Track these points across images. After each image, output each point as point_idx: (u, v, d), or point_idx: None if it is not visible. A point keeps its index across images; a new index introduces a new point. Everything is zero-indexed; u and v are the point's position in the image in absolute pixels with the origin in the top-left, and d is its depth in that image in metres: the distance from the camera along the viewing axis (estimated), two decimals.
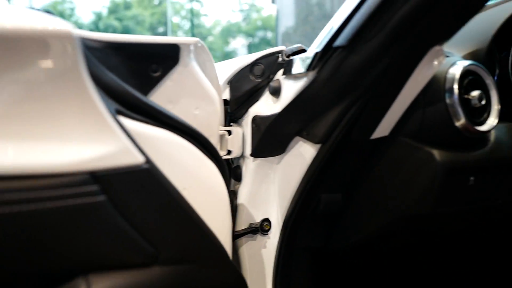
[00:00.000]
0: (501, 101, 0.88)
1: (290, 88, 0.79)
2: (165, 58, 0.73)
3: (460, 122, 0.68)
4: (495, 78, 0.93)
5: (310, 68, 0.70)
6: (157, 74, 0.73)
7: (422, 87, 0.67)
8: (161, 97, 0.75)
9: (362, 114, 0.68)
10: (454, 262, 1.02)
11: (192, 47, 0.77)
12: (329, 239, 0.91)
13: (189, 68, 0.77)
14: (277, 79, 0.86)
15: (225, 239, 0.78)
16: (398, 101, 0.67)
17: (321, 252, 0.95)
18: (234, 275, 0.70)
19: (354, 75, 0.64)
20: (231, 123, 0.97)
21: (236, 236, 0.91)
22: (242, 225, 0.93)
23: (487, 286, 1.04)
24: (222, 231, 0.77)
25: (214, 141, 0.87)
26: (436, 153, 0.68)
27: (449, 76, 0.69)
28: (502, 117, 0.82)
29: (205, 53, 0.82)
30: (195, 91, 0.79)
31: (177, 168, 0.67)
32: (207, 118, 0.82)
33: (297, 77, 0.77)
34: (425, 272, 1.00)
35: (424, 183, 0.68)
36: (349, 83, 0.65)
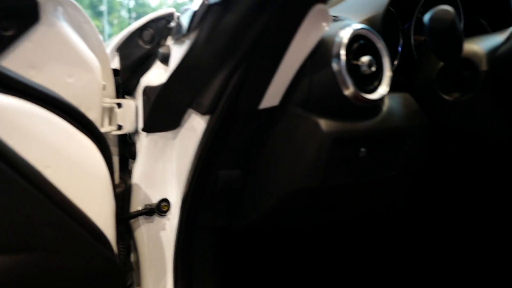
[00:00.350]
0: (402, 71, 0.87)
1: (177, 54, 0.71)
2: (19, 14, 0.62)
3: (349, 90, 0.64)
4: (399, 48, 0.91)
5: (190, 29, 0.63)
6: (10, 33, 0.62)
7: (309, 51, 0.62)
8: (19, 60, 0.64)
9: (247, 81, 0.62)
10: (356, 239, 1.02)
11: (58, 5, 0.66)
12: (232, 218, 0.87)
13: (56, 28, 0.66)
14: (167, 45, 0.77)
15: (105, 222, 0.70)
16: (284, 66, 0.61)
17: (225, 231, 0.90)
18: (107, 260, 0.63)
19: (232, 35, 0.58)
20: (125, 96, 0.88)
21: (128, 218, 0.84)
22: (138, 206, 0.86)
23: (385, 259, 1.06)
24: (100, 213, 0.69)
25: (95, 114, 0.78)
26: (322, 122, 0.63)
27: (337, 40, 0.64)
28: (401, 88, 0.81)
29: (80, 14, 0.72)
30: (66, 56, 0.69)
31: (34, 143, 0.58)
32: (84, 87, 0.72)
33: (181, 41, 0.70)
34: (327, 250, 0.99)
35: (312, 155, 0.64)
36: (228, 45, 0.59)
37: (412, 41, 0.90)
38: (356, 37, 0.65)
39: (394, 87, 0.79)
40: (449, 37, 0.64)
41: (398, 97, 0.75)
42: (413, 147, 0.73)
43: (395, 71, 0.88)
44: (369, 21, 0.75)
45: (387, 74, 0.68)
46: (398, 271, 1.07)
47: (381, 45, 0.67)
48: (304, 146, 0.65)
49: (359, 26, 0.66)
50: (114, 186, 0.75)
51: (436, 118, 0.75)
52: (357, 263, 1.06)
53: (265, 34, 0.57)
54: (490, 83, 0.69)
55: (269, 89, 0.64)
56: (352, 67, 0.64)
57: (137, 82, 0.84)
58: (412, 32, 0.89)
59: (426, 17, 0.64)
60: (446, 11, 0.62)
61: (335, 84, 0.63)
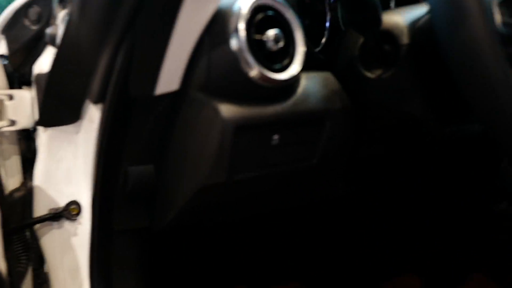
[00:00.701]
0: (327, 48, 0.80)
1: (61, 34, 0.61)
2: None
3: (253, 70, 0.55)
4: (327, 24, 0.85)
5: (64, 2, 0.54)
6: None
7: (205, 25, 0.54)
8: None
9: (134, 61, 0.54)
10: (291, 232, 0.97)
11: None
12: (151, 219, 0.78)
13: None
14: (56, 24, 0.67)
15: None
16: (176, 42, 0.53)
17: (146, 233, 0.82)
18: None
19: (105, 6, 0.49)
20: (24, 86, 0.77)
21: (27, 225, 0.74)
22: (43, 211, 0.76)
23: (323, 252, 1.02)
24: None
25: None
26: (223, 108, 0.55)
27: (235, 10, 0.55)
28: (323, 66, 0.74)
29: None
30: None
31: None
32: None
33: (65, 18, 0.60)
34: (257, 245, 0.94)
35: (214, 146, 0.56)
36: (103, 18, 0.50)
37: (340, 16, 0.83)
38: (259, 8, 0.57)
39: (318, 66, 0.73)
40: (362, 5, 0.58)
41: (316, 76, 0.68)
42: (334, 131, 0.66)
43: (322, 49, 0.81)
44: None
45: (300, 50, 0.61)
46: (335, 263, 1.04)
47: (290, 16, 0.59)
48: (206, 136, 0.57)
49: None
50: (2, 191, 0.66)
51: (359, 98, 0.69)
52: (291, 259, 1.01)
53: (145, 3, 0.48)
54: (412, 57, 0.64)
55: (163, 70, 0.55)
56: (256, 43, 0.56)
57: (30, 69, 0.73)
58: (339, 6, 0.83)
59: None
60: None
61: (235, 63, 0.54)
